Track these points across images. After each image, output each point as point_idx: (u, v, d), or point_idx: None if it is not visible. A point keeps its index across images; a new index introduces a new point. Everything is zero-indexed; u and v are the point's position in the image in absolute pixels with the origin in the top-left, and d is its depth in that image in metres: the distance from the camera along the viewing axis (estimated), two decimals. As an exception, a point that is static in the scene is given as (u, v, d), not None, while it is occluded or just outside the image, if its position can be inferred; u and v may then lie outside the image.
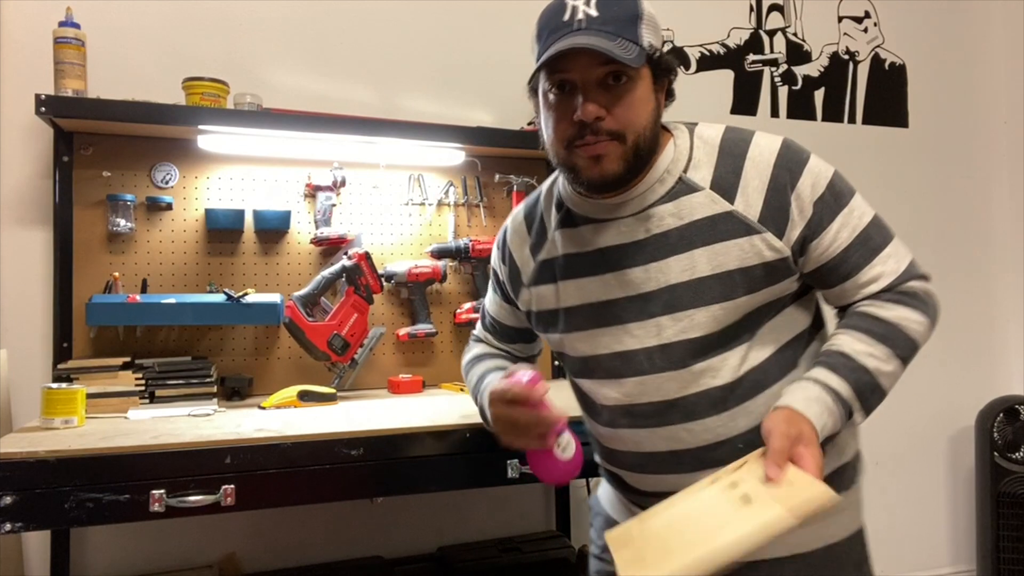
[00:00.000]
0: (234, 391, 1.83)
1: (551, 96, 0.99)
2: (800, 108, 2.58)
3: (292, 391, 1.73)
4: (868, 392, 0.99)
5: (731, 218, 0.99)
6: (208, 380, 1.73)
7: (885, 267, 1.01)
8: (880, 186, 2.66)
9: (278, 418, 1.58)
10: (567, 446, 1.05)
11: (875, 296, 1.02)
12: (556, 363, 1.95)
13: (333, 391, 1.77)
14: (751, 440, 0.97)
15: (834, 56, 2.62)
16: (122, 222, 1.79)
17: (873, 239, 1.01)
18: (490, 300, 1.31)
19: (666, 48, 1.04)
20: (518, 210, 1.22)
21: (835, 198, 1.00)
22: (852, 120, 2.64)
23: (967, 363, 2.77)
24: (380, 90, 2.09)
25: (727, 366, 1.00)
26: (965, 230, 2.79)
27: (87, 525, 1.57)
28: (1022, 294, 2.80)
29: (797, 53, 2.58)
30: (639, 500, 1.10)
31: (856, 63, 2.65)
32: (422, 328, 2.02)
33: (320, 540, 1.99)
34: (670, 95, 1.04)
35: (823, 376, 0.97)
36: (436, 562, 2.02)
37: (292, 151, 1.92)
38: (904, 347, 1.01)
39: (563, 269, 1.10)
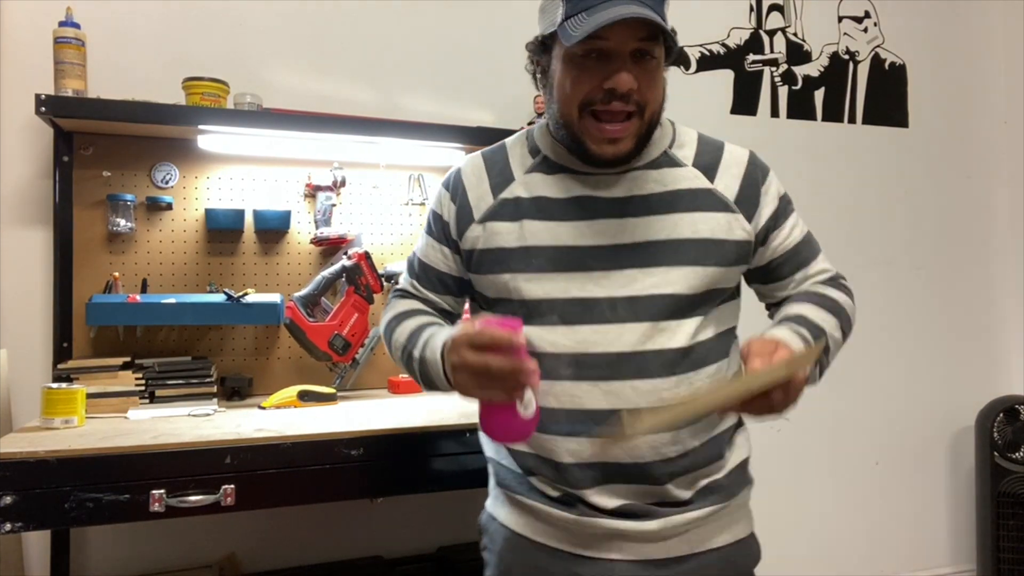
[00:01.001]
0: (234, 391, 1.83)
1: (577, 59, 0.99)
2: (800, 108, 2.57)
3: (292, 391, 1.74)
4: (824, 351, 1.07)
5: (711, 194, 1.08)
6: (208, 380, 1.73)
7: (826, 264, 1.18)
8: (880, 186, 2.67)
9: (278, 418, 1.58)
10: (529, 402, 0.95)
11: (818, 283, 1.16)
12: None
13: (333, 391, 1.77)
14: None
15: (834, 56, 2.62)
16: (122, 222, 1.79)
17: (813, 243, 1.18)
18: (423, 246, 1.20)
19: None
20: (472, 155, 1.18)
21: (788, 203, 1.15)
22: (852, 120, 2.64)
23: (967, 363, 2.77)
24: (380, 90, 2.09)
25: (683, 331, 1.04)
26: (965, 230, 2.79)
27: (87, 525, 1.57)
28: (1022, 294, 2.80)
29: (797, 53, 2.58)
30: (556, 477, 1.06)
31: (856, 63, 2.65)
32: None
33: (320, 540, 1.99)
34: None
35: (790, 324, 1.04)
36: (436, 562, 2.02)
37: (292, 151, 1.92)
38: (847, 324, 1.13)
39: (531, 209, 1.07)
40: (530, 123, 2.04)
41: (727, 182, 1.09)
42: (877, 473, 2.63)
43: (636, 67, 0.99)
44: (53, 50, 1.67)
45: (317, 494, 1.43)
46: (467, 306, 1.24)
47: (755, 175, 1.11)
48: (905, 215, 2.70)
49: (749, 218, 1.08)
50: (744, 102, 2.51)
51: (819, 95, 2.60)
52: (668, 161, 1.09)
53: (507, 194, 1.10)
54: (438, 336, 1.04)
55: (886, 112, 2.69)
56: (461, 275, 1.16)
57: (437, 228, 1.17)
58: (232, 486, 1.32)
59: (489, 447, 1.19)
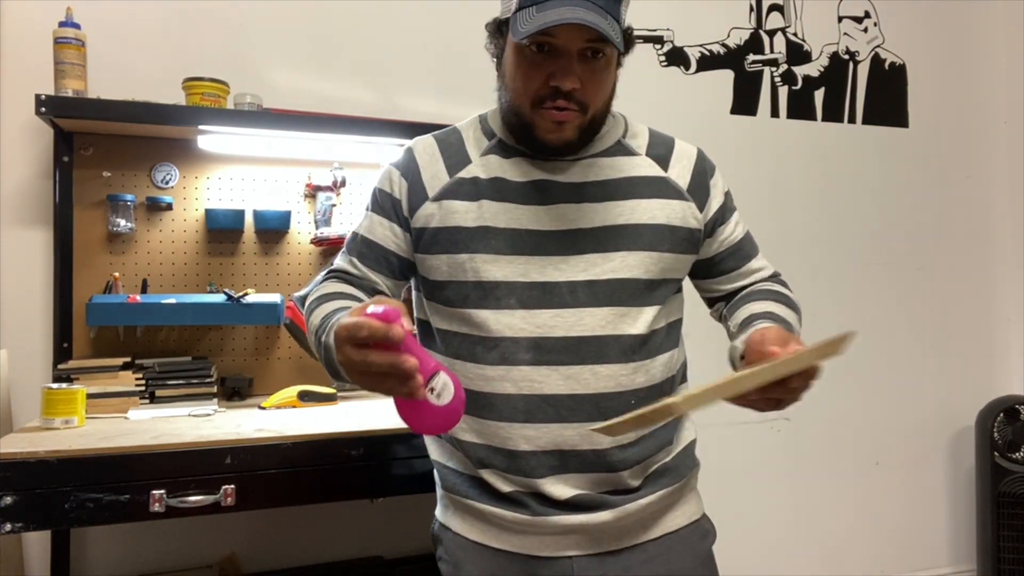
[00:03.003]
0: (234, 391, 1.83)
1: (528, 52, 1.00)
2: (800, 108, 2.57)
3: (292, 391, 1.74)
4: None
5: (666, 182, 1.11)
6: (208, 380, 1.73)
7: (764, 262, 1.21)
8: (880, 186, 2.67)
9: (278, 418, 1.58)
10: (443, 389, 0.85)
11: (762, 282, 1.19)
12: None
13: (333, 391, 1.77)
14: (643, 399, 1.03)
15: (834, 56, 2.62)
16: (122, 222, 1.79)
17: (752, 240, 1.21)
18: (368, 224, 1.13)
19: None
20: (422, 137, 1.16)
21: (731, 200, 1.18)
22: (852, 120, 2.64)
23: (967, 363, 2.77)
24: (380, 90, 2.09)
25: (642, 318, 1.05)
26: (965, 230, 2.79)
27: (87, 525, 1.58)
28: (1022, 294, 2.80)
29: (797, 53, 2.58)
30: (509, 467, 1.03)
31: (856, 63, 2.65)
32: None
33: (320, 540, 1.99)
34: (619, 66, 1.09)
35: (772, 323, 1.03)
36: (436, 562, 2.01)
37: (292, 151, 1.92)
38: (800, 316, 1.15)
39: (489, 190, 1.06)
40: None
41: (679, 171, 1.12)
42: (877, 473, 2.63)
43: (583, 66, 0.99)
44: (53, 50, 1.67)
45: (317, 494, 1.43)
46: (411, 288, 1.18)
47: (704, 168, 1.14)
48: (905, 215, 2.70)
49: (700, 208, 1.12)
50: (744, 102, 2.51)
51: (819, 95, 2.60)
52: (622, 150, 1.11)
53: (464, 174, 1.08)
54: (338, 323, 0.90)
55: (886, 112, 2.69)
56: (408, 256, 1.11)
57: (387, 205, 1.11)
58: (232, 486, 1.32)
59: (434, 450, 1.17)
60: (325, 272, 1.15)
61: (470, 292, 1.04)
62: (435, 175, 1.09)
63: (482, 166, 1.08)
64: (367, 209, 1.15)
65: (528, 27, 0.95)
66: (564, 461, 1.02)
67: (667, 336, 1.10)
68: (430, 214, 1.07)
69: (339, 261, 1.15)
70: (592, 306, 1.03)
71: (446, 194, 1.07)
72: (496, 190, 1.06)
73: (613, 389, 1.02)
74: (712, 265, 1.17)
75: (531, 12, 0.96)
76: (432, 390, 0.84)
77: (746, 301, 1.14)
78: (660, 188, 1.09)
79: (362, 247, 1.12)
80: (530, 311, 1.02)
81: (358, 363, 0.81)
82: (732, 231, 1.16)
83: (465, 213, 1.05)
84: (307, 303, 1.09)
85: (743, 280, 1.19)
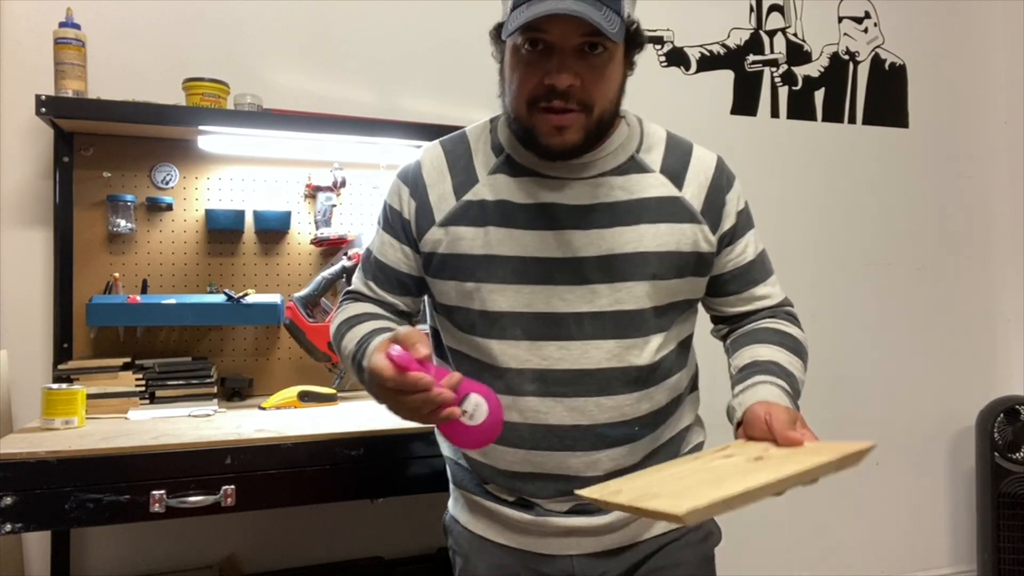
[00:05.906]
0: (234, 392, 1.83)
1: (523, 51, 0.97)
2: (800, 108, 2.57)
3: (292, 391, 1.74)
4: (796, 397, 1.03)
5: (679, 203, 1.04)
6: (208, 381, 1.73)
7: (774, 289, 1.15)
8: (880, 186, 2.67)
9: (278, 418, 1.58)
10: (476, 410, 0.91)
11: (768, 313, 1.14)
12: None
13: (333, 392, 1.77)
14: (647, 424, 1.04)
15: (834, 56, 2.62)
16: (122, 222, 1.79)
17: (766, 263, 1.15)
18: (380, 244, 1.12)
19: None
20: (431, 146, 1.12)
21: (748, 217, 1.12)
22: (852, 120, 2.64)
23: (967, 363, 2.77)
24: (380, 90, 2.09)
25: (649, 348, 1.03)
26: (965, 230, 2.79)
27: (87, 525, 1.58)
28: (1022, 294, 2.80)
29: (797, 53, 2.58)
30: (511, 487, 1.06)
31: (856, 63, 2.65)
32: (422, 328, 2.02)
33: (320, 540, 1.99)
34: (631, 66, 1.05)
35: (774, 380, 1.00)
36: (436, 562, 2.02)
37: (292, 151, 1.92)
38: (806, 359, 1.10)
39: (496, 215, 1.02)
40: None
41: (694, 190, 1.05)
42: (877, 473, 2.63)
43: (581, 62, 0.94)
44: (53, 51, 1.67)
45: (317, 494, 1.43)
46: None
47: (721, 183, 1.08)
48: (905, 215, 2.70)
49: (713, 229, 1.06)
50: (744, 102, 2.51)
51: (819, 95, 2.60)
52: (635, 167, 1.05)
53: (471, 196, 1.04)
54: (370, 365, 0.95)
55: (886, 112, 2.69)
56: (421, 275, 1.11)
57: (397, 225, 1.10)
58: (232, 486, 1.32)
59: (446, 447, 1.19)
60: (344, 293, 1.18)
61: (476, 320, 1.04)
62: (442, 196, 1.06)
63: (489, 186, 1.04)
64: (378, 224, 1.14)
65: (515, 23, 0.92)
66: (568, 486, 1.02)
67: (676, 358, 1.08)
68: (437, 240, 1.05)
69: (356, 282, 1.17)
70: (599, 338, 1.01)
71: (453, 219, 1.04)
72: (503, 215, 1.02)
73: (617, 419, 1.02)
74: (715, 285, 1.12)
75: (522, 9, 0.92)
76: (465, 412, 0.91)
77: (751, 340, 1.09)
78: (672, 211, 1.03)
79: (376, 270, 1.13)
80: (535, 342, 1.01)
81: (392, 404, 0.90)
82: (741, 252, 1.10)
83: (472, 240, 1.03)
84: (335, 329, 1.11)
85: (746, 306, 1.13)
